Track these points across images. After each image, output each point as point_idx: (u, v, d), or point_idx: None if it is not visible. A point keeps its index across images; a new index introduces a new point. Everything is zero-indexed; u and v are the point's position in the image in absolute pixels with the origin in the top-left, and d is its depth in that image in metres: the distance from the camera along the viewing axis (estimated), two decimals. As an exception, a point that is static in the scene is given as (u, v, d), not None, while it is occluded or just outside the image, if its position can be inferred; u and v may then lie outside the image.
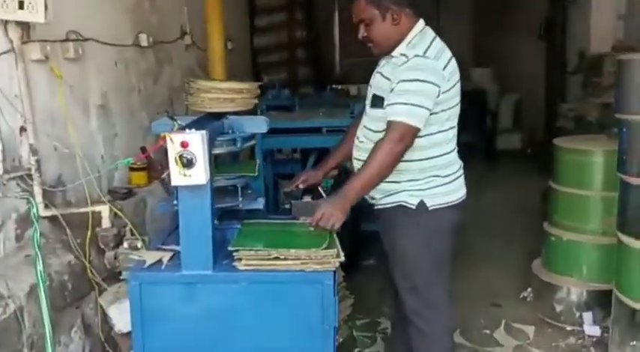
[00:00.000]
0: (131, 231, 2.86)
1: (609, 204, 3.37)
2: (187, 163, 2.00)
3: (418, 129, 2.25)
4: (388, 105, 2.27)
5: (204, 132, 2.06)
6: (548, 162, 3.87)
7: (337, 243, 2.28)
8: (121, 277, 2.76)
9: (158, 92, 4.16)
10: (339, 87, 7.06)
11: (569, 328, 3.53)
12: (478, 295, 3.92)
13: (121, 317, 2.73)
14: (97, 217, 2.86)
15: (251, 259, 2.18)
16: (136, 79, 3.79)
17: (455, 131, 2.43)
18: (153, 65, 4.09)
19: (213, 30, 4.05)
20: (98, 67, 3.26)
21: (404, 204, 2.37)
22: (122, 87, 3.59)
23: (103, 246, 2.85)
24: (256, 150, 4.04)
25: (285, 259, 2.17)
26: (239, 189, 2.53)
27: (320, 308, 2.16)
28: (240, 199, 2.52)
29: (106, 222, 2.85)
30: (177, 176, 2.02)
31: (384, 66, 2.40)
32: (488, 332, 3.52)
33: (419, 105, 2.22)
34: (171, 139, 1.99)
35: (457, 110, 2.39)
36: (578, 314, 3.54)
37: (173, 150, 2.01)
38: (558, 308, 3.61)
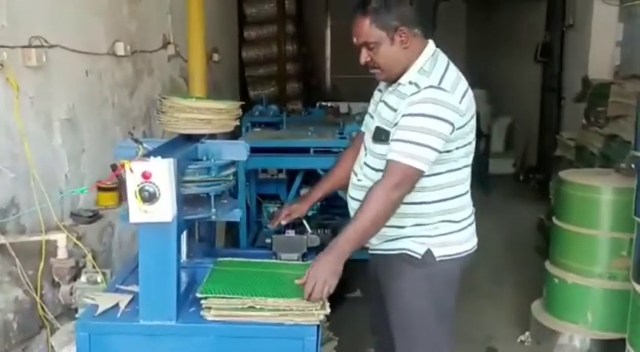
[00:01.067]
0: (92, 262, 2.55)
1: (618, 246, 3.14)
2: (149, 198, 1.69)
3: (422, 172, 1.95)
4: (391, 140, 1.97)
5: (171, 160, 1.76)
6: (543, 189, 3.61)
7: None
8: (77, 315, 2.45)
9: (135, 105, 3.87)
10: (329, 104, 6.81)
11: (570, 379, 3.26)
12: (472, 337, 3.61)
13: (74, 362, 2.41)
14: (52, 245, 2.54)
15: (222, 308, 1.88)
16: (109, 90, 3.49)
17: (469, 170, 2.12)
18: (130, 76, 3.79)
19: (195, 40, 3.78)
20: (66, 76, 2.96)
21: (408, 252, 2.07)
22: (93, 99, 3.29)
23: (57, 280, 2.53)
24: (238, 170, 3.76)
25: (261, 309, 1.87)
26: (212, 198, 2.14)
27: (300, 368, 1.86)
28: (214, 210, 2.14)
29: (62, 252, 2.52)
30: (137, 212, 1.71)
31: (389, 95, 2.09)
32: (484, 381, 3.24)
33: (426, 146, 1.92)
34: (130, 169, 1.69)
35: (472, 147, 2.10)
36: (581, 364, 3.28)
37: (134, 181, 1.70)
38: (559, 355, 3.34)
